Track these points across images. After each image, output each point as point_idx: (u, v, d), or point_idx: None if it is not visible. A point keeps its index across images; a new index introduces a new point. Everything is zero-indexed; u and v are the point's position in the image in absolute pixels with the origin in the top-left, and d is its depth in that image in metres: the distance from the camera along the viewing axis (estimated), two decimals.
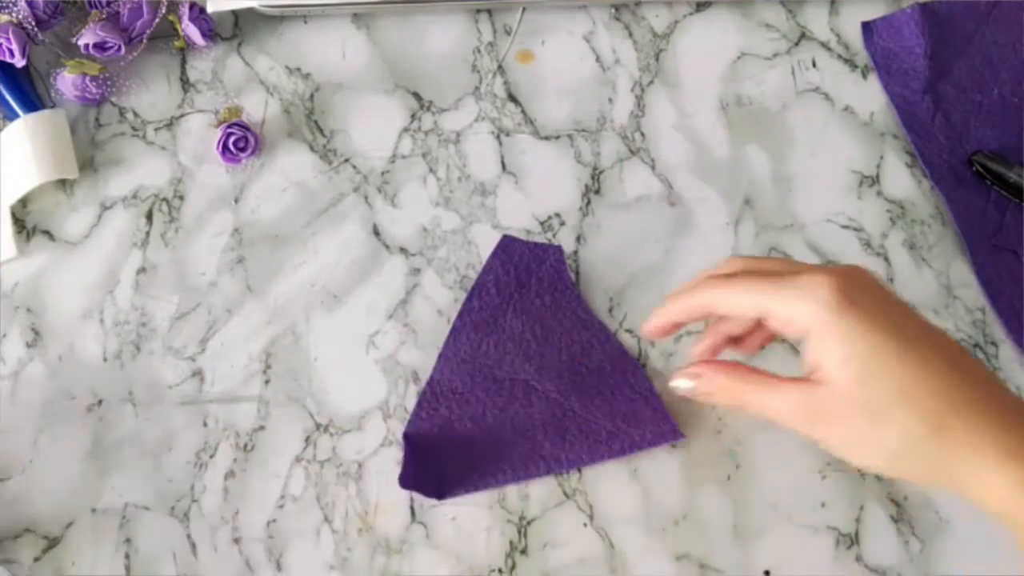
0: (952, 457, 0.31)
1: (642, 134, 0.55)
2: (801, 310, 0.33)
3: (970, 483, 0.32)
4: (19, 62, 0.52)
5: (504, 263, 0.50)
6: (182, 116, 0.55)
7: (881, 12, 0.57)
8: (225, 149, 0.52)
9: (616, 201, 0.53)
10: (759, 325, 0.39)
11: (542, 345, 0.49)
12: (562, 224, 0.53)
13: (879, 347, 0.32)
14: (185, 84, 0.56)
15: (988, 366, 0.49)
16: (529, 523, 0.47)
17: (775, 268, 0.36)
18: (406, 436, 0.48)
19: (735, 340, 0.40)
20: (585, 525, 0.47)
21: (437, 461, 0.47)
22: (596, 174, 0.54)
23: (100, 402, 0.49)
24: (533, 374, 0.49)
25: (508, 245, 0.51)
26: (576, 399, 0.48)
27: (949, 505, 0.47)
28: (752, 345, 0.41)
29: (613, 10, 0.57)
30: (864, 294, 0.33)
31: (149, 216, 0.53)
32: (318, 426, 0.49)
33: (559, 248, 0.51)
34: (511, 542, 0.47)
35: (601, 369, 0.49)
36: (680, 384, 0.37)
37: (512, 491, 0.47)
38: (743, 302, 0.35)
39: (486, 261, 0.51)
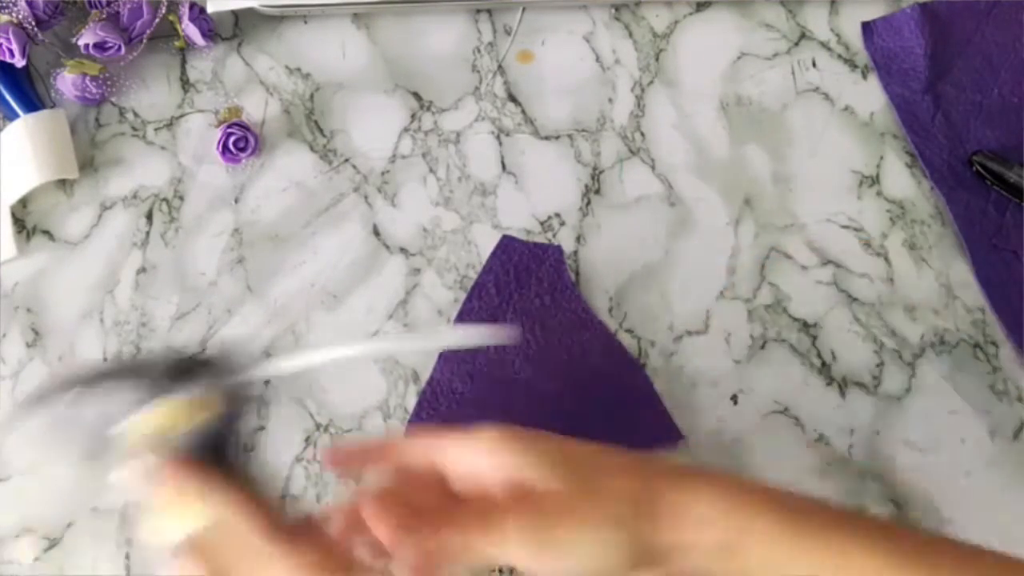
0: (665, 506, 0.33)
1: (642, 134, 0.55)
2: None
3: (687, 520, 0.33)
4: (19, 62, 0.52)
5: (504, 263, 0.50)
6: (182, 116, 0.55)
7: (881, 12, 0.57)
8: (225, 149, 0.52)
9: (616, 201, 0.53)
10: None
11: (542, 345, 0.49)
12: (562, 224, 0.53)
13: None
14: (185, 84, 0.56)
15: (987, 366, 0.50)
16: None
17: None
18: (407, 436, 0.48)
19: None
20: None
21: None
22: (596, 174, 0.54)
23: None
24: (533, 374, 0.49)
25: (508, 245, 0.51)
26: (575, 400, 0.48)
27: (949, 505, 0.47)
28: None
29: (613, 10, 0.57)
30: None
31: (149, 216, 0.53)
32: (318, 426, 0.49)
33: (559, 248, 0.51)
34: None
35: (601, 369, 0.49)
36: None
37: None
38: None
39: (486, 261, 0.51)
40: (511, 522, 0.33)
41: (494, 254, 0.51)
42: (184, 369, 0.35)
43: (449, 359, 0.49)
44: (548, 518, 0.33)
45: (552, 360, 0.49)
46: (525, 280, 0.50)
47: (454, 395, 0.49)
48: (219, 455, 0.35)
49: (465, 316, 0.50)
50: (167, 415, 0.33)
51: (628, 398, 0.48)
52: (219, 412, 0.34)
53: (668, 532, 0.33)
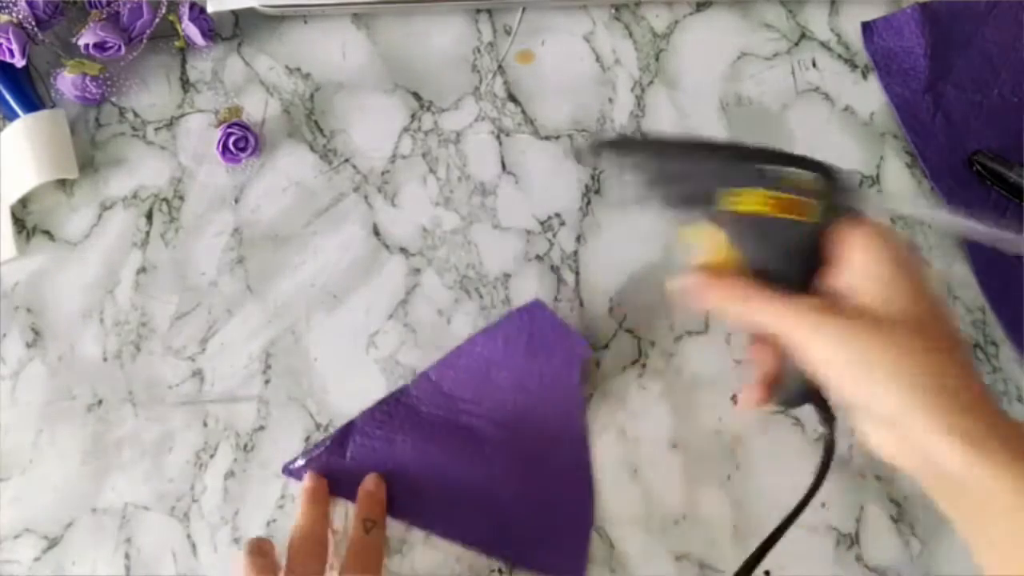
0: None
1: (642, 134, 0.55)
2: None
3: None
4: (19, 62, 0.52)
5: (521, 327, 0.48)
6: (182, 116, 0.55)
7: (881, 12, 0.57)
8: (225, 149, 0.52)
9: (616, 201, 0.53)
10: None
11: (518, 419, 0.47)
12: (562, 224, 0.53)
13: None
14: (185, 84, 0.56)
15: (987, 366, 0.50)
16: None
17: None
18: (351, 423, 0.47)
19: None
20: None
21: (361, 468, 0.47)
22: (596, 174, 0.54)
23: (100, 402, 0.49)
24: (492, 439, 0.47)
25: (536, 311, 0.48)
26: (514, 488, 0.46)
27: None
28: None
29: (613, 10, 0.57)
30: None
31: (149, 216, 0.53)
32: (318, 426, 0.49)
33: (587, 346, 0.48)
34: None
35: (556, 477, 0.47)
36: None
37: None
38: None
39: (509, 312, 0.49)
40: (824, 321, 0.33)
41: (520, 312, 0.49)
42: (795, 163, 0.37)
43: (428, 380, 0.48)
44: (861, 331, 0.33)
45: (518, 438, 0.47)
46: (537, 352, 0.48)
47: (414, 415, 0.48)
48: (787, 269, 0.36)
49: (462, 352, 0.48)
50: (765, 199, 0.35)
51: (560, 520, 0.46)
52: (810, 222, 0.35)
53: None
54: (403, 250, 0.52)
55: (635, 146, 0.40)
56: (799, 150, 0.53)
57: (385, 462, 0.47)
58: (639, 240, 0.52)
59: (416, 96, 0.55)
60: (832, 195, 0.36)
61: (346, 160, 0.54)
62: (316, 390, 0.49)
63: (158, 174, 0.54)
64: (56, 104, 0.55)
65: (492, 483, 0.46)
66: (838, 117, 0.55)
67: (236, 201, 0.53)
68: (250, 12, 0.56)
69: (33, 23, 0.52)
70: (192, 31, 0.54)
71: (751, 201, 0.36)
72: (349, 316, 0.51)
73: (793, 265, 0.36)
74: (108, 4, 0.54)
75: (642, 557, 0.46)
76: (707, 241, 0.38)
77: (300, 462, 0.47)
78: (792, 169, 0.37)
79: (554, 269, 0.52)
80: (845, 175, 0.37)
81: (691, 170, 0.37)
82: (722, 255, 0.37)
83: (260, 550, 0.43)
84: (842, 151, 0.54)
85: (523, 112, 0.55)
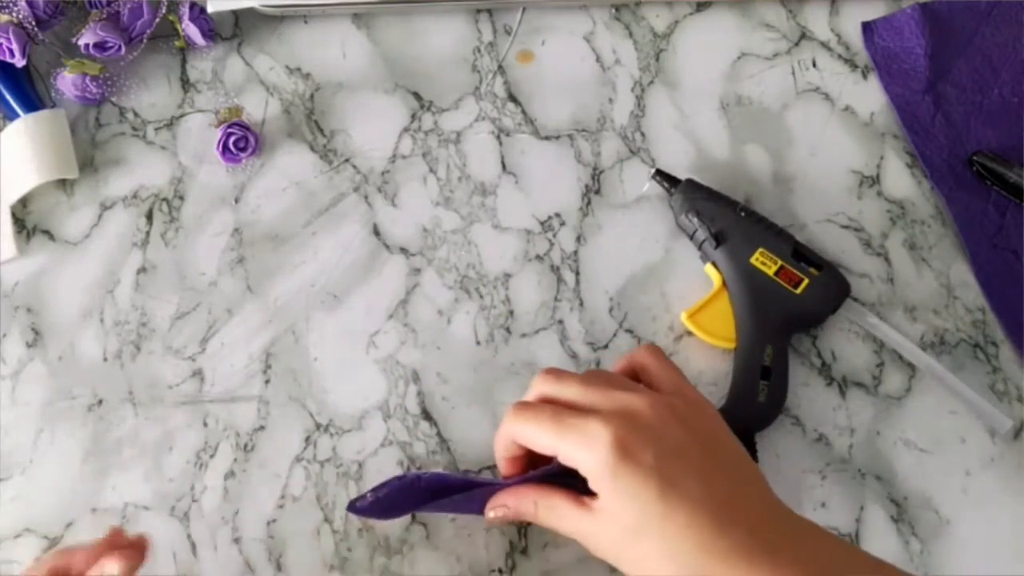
0: None
1: (642, 134, 0.55)
2: (582, 460, 0.36)
3: None
4: (19, 62, 0.52)
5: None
6: (182, 116, 0.55)
7: (881, 12, 0.57)
8: (225, 149, 0.52)
9: (616, 201, 0.53)
10: None
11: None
12: (562, 224, 0.53)
13: (647, 508, 0.35)
14: (185, 84, 0.56)
15: (987, 366, 0.49)
16: (529, 523, 0.47)
17: (574, 396, 0.39)
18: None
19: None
20: None
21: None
22: (596, 174, 0.54)
23: (100, 402, 0.49)
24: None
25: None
26: None
27: (949, 505, 0.47)
28: None
29: (613, 10, 0.57)
30: (642, 445, 0.36)
31: (149, 216, 0.53)
32: (318, 426, 0.49)
33: None
34: (511, 542, 0.47)
35: None
36: (495, 515, 0.41)
37: None
38: (537, 440, 0.38)
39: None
40: (572, 527, 0.38)
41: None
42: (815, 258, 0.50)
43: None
44: (601, 543, 0.38)
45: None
46: None
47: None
48: None
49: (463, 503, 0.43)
50: (778, 266, 0.48)
51: None
52: (793, 293, 0.48)
53: None
54: (403, 250, 0.52)
55: (710, 193, 0.50)
56: (799, 150, 0.54)
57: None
58: (639, 240, 0.52)
59: (416, 96, 0.55)
60: (821, 282, 0.48)
61: (346, 160, 0.54)
62: (316, 390, 0.49)
63: (158, 174, 0.54)
64: (56, 104, 0.55)
65: None
66: (838, 117, 0.55)
67: (236, 201, 0.53)
68: (250, 12, 0.56)
69: (33, 23, 0.53)
70: (192, 31, 0.54)
71: (770, 263, 0.48)
72: (349, 316, 0.51)
73: (765, 318, 0.47)
74: (108, 4, 0.54)
75: None
76: (713, 278, 0.49)
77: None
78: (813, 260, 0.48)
79: (554, 269, 0.52)
80: (842, 278, 0.49)
81: (746, 227, 0.49)
82: (714, 293, 0.49)
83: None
84: (842, 151, 0.54)
85: (523, 112, 0.55)
